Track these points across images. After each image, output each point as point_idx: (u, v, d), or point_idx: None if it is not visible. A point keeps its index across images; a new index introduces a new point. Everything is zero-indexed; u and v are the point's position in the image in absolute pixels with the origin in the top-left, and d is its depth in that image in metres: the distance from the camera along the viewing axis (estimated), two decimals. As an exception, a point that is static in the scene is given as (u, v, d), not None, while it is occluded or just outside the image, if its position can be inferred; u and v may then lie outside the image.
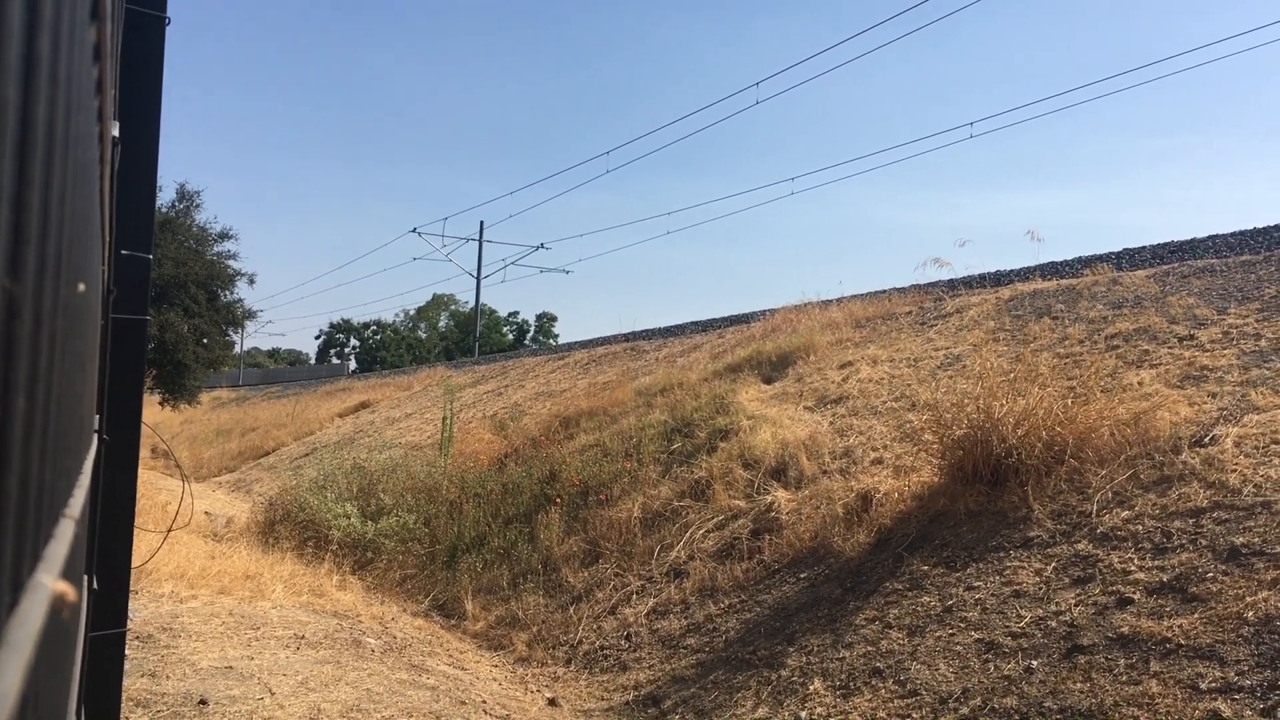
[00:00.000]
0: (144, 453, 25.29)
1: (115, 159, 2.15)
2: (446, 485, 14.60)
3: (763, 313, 19.20)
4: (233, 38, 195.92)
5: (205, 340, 35.36)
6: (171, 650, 7.18)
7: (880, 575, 7.87)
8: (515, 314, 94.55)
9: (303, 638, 8.14)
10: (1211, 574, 5.84)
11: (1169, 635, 5.57)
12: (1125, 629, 5.81)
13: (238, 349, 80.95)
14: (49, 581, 0.76)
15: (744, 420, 12.16)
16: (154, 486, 17.93)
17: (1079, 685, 5.58)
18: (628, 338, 24.17)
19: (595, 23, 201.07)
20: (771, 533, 9.45)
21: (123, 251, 2.15)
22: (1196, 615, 5.60)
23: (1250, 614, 5.38)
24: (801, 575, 8.61)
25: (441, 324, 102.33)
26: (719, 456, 11.45)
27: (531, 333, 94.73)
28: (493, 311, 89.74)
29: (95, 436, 2.11)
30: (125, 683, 6.08)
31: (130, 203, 2.20)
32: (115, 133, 2.09)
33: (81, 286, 1.08)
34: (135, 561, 8.64)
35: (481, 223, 52.39)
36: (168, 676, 6.54)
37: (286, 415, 35.45)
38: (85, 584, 2.02)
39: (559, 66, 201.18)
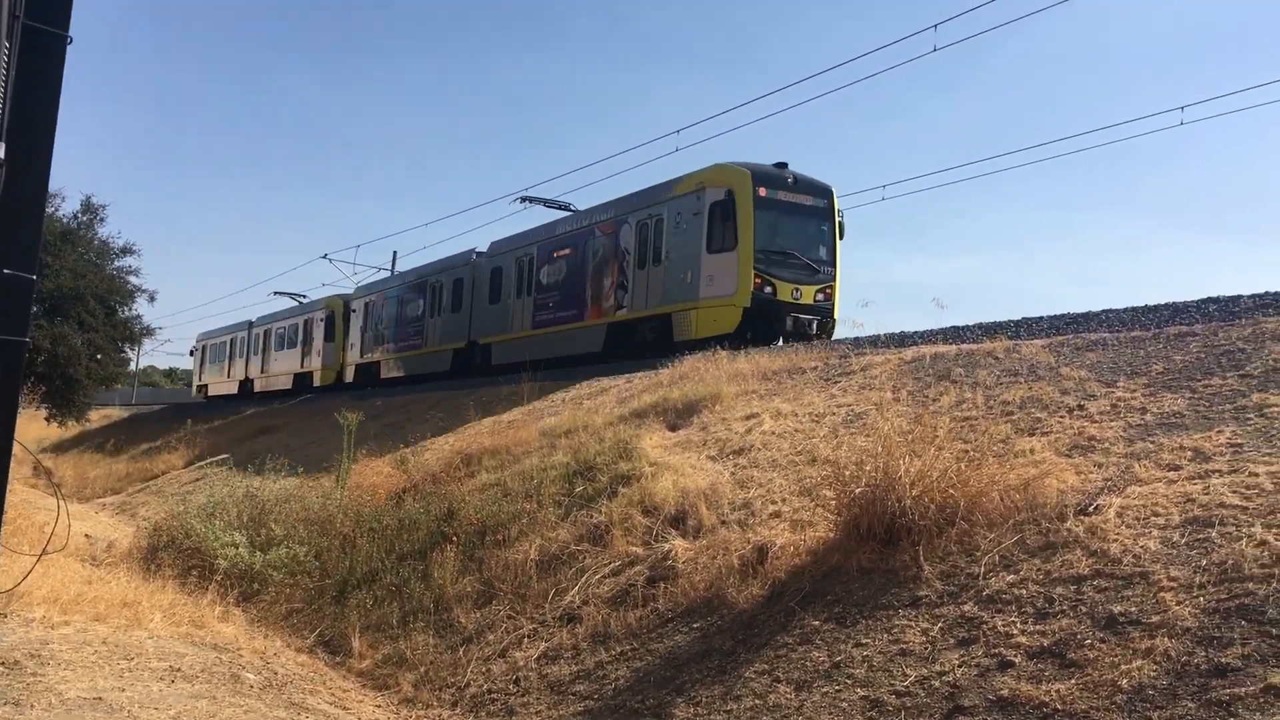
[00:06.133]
0: (24, 471, 24.32)
1: None
2: (341, 518, 14.31)
3: (672, 360, 19.26)
4: (143, 58, 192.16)
5: (99, 356, 34.31)
6: (39, 678, 6.88)
7: (772, 629, 7.91)
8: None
9: (179, 670, 7.87)
10: (1090, 641, 5.99)
11: (1046, 700, 5.69)
12: (1005, 691, 5.92)
13: (133, 367, 78.66)
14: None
15: (646, 467, 12.16)
16: (32, 506, 17.24)
17: (959, 746, 5.66)
18: (535, 378, 24.03)
19: (518, 65, 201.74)
20: (667, 581, 9.44)
21: (4, 270, 2.06)
22: (1073, 681, 5.73)
23: (1124, 682, 5.52)
24: (695, 625, 8.61)
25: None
26: (619, 502, 11.42)
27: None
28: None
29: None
30: (-16, 712, 5.81)
31: (16, 222, 2.11)
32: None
33: None
34: (7, 584, 8.27)
35: (395, 252, 52.04)
36: (32, 706, 6.26)
37: (180, 438, 34.42)
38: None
39: (480, 104, 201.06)
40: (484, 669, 9.57)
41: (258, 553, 13.30)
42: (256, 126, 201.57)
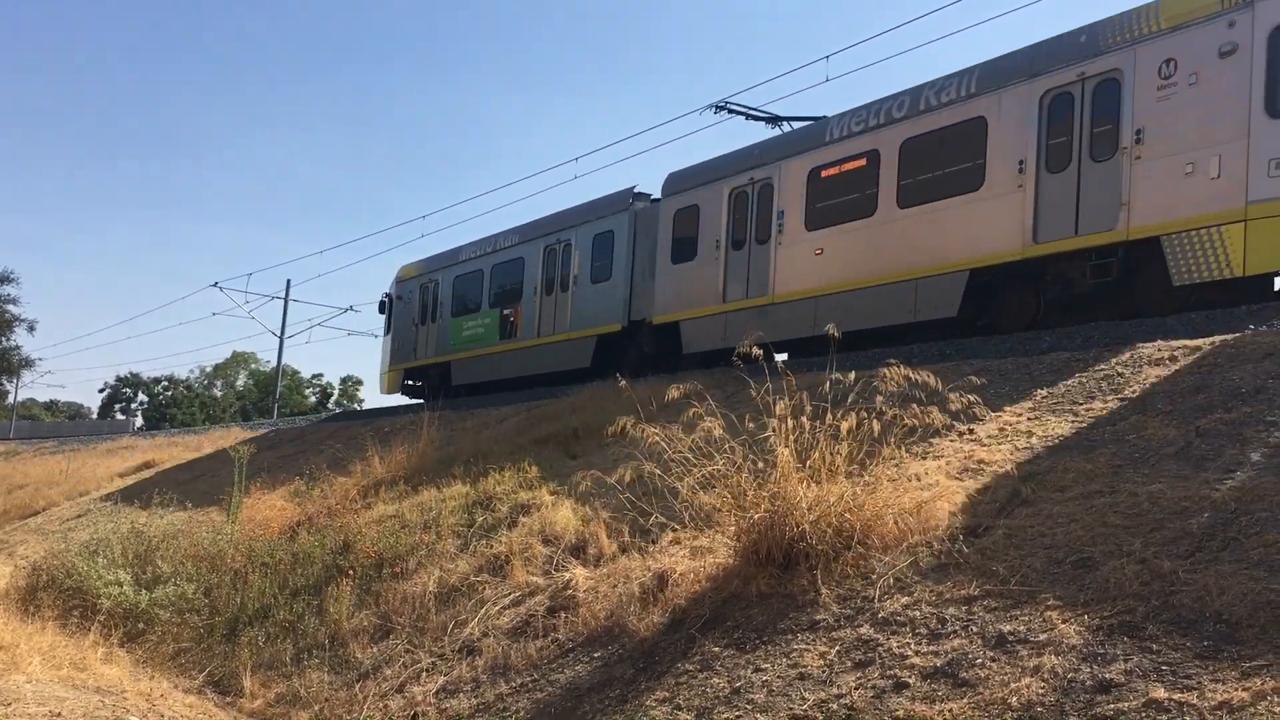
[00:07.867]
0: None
1: None
2: (232, 553, 13.91)
3: (573, 389, 19.25)
4: (21, 75, 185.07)
5: (-26, 388, 32.96)
6: (-97, 729, 6.53)
7: (673, 656, 7.91)
8: (319, 376, 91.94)
9: (59, 715, 7.55)
10: (981, 660, 6.13)
11: None
12: (901, 712, 6.02)
13: (10, 399, 75.43)
14: None
15: (546, 495, 12.10)
16: (-100, 546, 16.39)
17: (856, 768, 5.73)
18: (436, 406, 23.77)
19: (415, 90, 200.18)
20: (568, 611, 9.38)
21: None
22: (966, 700, 5.85)
23: (1014, 700, 5.66)
24: (595, 655, 8.57)
25: (240, 383, 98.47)
26: (520, 531, 11.34)
27: (335, 396, 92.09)
28: (295, 372, 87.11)
29: None
30: None
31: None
32: None
33: None
34: None
35: (288, 280, 50.92)
36: (-105, 759, 5.93)
37: (60, 472, 33.12)
38: None
39: (377, 130, 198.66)
40: (381, 705, 9.38)
41: (143, 591, 12.84)
42: (143, 152, 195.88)
